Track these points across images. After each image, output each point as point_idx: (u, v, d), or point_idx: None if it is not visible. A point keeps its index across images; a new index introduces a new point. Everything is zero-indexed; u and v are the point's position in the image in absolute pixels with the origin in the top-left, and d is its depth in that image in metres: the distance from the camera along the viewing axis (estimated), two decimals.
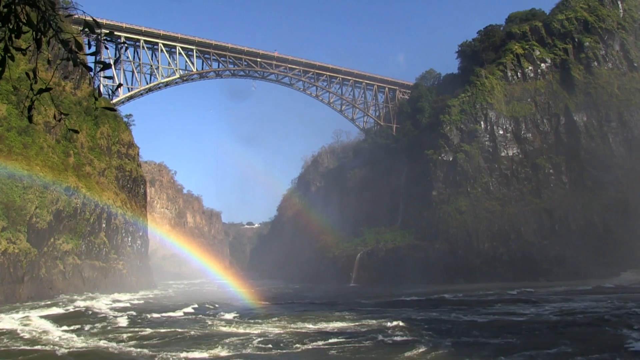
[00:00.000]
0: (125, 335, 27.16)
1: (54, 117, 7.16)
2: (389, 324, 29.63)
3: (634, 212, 75.55)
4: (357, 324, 30.96)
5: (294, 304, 49.29)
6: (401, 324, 29.48)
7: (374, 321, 31.53)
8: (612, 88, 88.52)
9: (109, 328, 30.35)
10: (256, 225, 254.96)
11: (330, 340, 24.77)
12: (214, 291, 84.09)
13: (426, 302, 45.48)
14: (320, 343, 24.28)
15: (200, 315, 37.50)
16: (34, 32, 5.88)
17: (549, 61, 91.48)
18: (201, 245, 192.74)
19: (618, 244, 72.45)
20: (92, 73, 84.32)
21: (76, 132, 9.93)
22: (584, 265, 70.44)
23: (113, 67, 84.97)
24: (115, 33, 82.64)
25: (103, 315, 37.03)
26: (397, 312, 36.83)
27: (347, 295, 60.21)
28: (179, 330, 29.13)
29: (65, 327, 29.49)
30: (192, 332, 28.26)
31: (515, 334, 25.97)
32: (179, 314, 39.21)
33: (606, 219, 76.94)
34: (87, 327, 30.05)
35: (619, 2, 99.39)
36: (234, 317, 35.72)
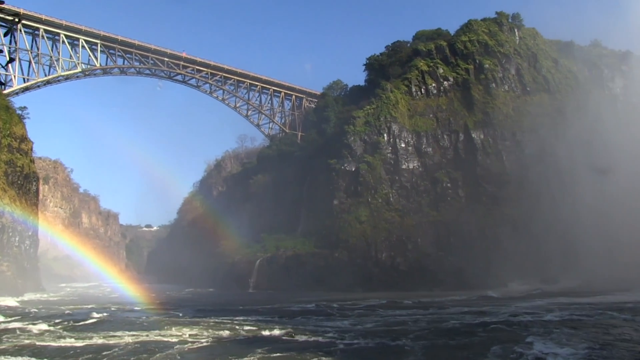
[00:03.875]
0: None
1: None
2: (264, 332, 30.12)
3: (523, 226, 79.53)
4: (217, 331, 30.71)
5: (179, 309, 48.03)
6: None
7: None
8: (507, 109, 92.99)
9: None
10: (155, 228, 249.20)
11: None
12: (104, 295, 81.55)
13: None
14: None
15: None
16: None
17: (452, 79, 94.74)
18: (96, 247, 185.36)
19: (508, 256, 75.62)
20: None
21: None
22: (476, 276, 72.84)
23: (7, 51, 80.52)
24: (8, 18, 78.23)
25: None
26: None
27: (239, 301, 59.49)
28: None
29: None
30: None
31: None
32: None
33: (498, 232, 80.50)
34: None
35: (516, 30, 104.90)
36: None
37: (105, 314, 40.72)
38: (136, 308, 50.85)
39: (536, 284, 72.68)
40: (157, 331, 30.33)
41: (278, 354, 23.72)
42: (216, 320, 36.36)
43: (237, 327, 32.66)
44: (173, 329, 31.32)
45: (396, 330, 30.99)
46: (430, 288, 71.03)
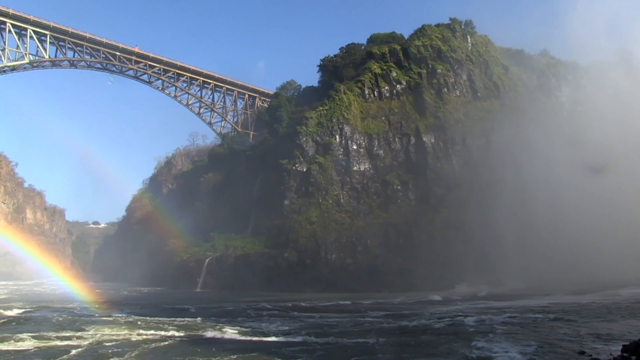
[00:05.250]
0: None
1: None
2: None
3: (471, 229, 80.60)
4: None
5: (124, 307, 47.22)
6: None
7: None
8: (458, 114, 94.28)
9: None
10: (103, 225, 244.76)
11: None
12: (45, 293, 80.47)
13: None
14: None
15: None
16: None
17: (404, 83, 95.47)
18: (41, 243, 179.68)
19: (456, 259, 76.46)
20: None
21: None
22: (424, 278, 73.64)
23: None
24: None
25: None
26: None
27: (178, 300, 59.04)
28: None
29: None
30: None
31: None
32: None
33: (446, 235, 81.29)
34: None
35: (468, 37, 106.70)
36: None
37: (35, 313, 39.68)
38: (72, 306, 49.70)
39: (483, 286, 73.58)
40: (89, 332, 29.71)
41: (239, 355, 23.99)
42: (156, 320, 36.31)
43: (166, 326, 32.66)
44: (111, 328, 30.76)
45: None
46: (379, 289, 71.30)
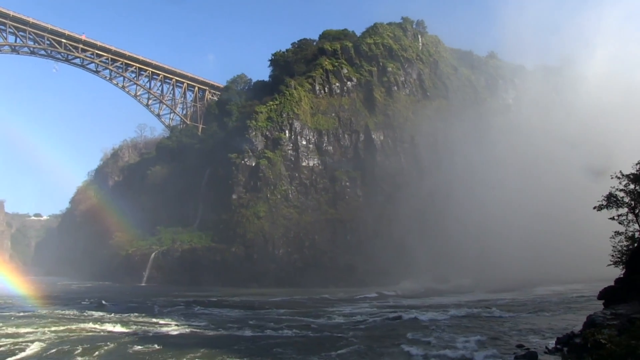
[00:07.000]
0: None
1: None
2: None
3: (417, 227, 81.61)
4: None
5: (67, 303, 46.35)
6: None
7: None
8: (407, 112, 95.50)
9: None
10: (45, 217, 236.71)
11: None
12: None
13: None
14: None
15: None
16: None
17: (355, 80, 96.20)
18: None
19: (401, 255, 77.56)
20: None
21: None
22: (370, 274, 74.29)
23: None
24: None
25: None
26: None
27: (114, 296, 57.94)
28: None
29: None
30: None
31: None
32: None
33: (393, 231, 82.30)
34: None
35: (419, 36, 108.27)
36: None
37: None
38: None
39: (428, 283, 74.38)
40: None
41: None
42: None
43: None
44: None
45: None
46: (325, 285, 71.42)
